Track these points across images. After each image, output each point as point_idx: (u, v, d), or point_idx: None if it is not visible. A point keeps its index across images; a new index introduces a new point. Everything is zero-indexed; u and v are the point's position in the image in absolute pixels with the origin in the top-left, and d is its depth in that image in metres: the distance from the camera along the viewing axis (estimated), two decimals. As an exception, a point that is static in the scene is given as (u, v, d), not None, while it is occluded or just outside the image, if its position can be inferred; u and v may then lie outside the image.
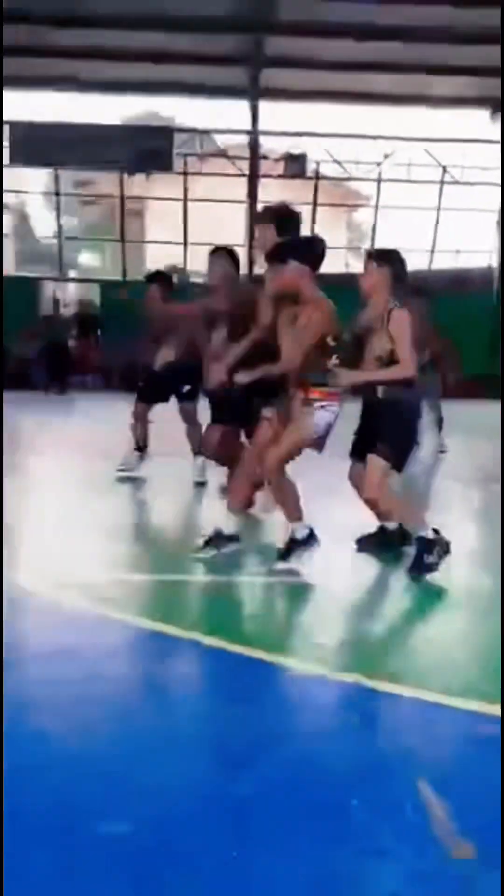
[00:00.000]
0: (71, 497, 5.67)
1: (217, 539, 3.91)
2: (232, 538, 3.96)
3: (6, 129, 16.34)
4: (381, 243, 17.17)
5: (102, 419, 9.33)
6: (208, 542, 3.90)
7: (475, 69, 15.52)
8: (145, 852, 1.58)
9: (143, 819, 1.71)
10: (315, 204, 17.09)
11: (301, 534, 3.82)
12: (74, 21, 14.51)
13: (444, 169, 16.96)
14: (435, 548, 3.68)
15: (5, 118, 15.85)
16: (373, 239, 18.45)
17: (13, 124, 16.21)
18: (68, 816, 1.72)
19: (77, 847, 1.60)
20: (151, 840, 1.65)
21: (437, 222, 17.22)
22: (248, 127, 16.47)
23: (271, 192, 15.85)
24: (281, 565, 3.75)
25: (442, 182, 16.74)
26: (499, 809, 1.59)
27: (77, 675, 2.59)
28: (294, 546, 3.79)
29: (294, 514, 3.85)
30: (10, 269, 18.13)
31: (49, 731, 2.22)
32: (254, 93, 15.85)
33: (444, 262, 17.54)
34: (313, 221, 16.68)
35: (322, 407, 3.69)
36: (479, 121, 16.82)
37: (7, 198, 18.13)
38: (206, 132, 17.67)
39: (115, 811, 1.75)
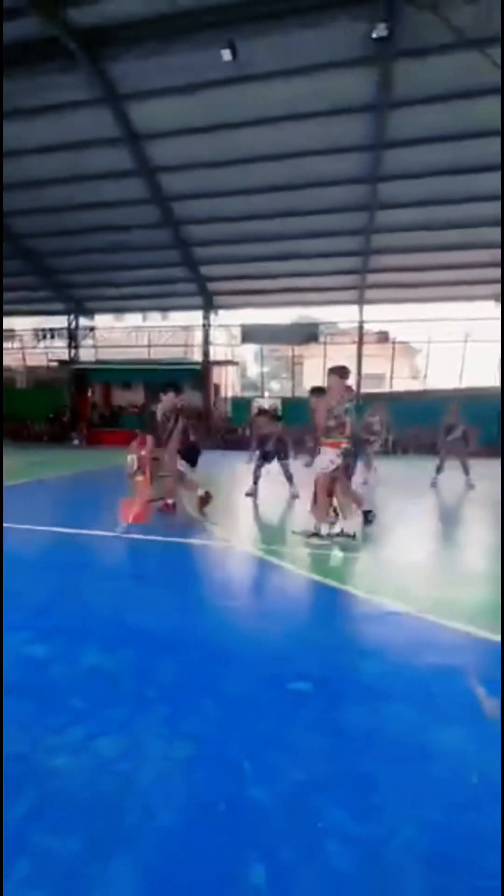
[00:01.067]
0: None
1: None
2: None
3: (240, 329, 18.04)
4: (432, 378, 17.69)
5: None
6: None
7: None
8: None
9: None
10: (393, 356, 17.32)
11: (325, 529, 3.95)
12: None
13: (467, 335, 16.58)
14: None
15: (244, 322, 17.99)
16: (426, 374, 17.94)
17: (244, 326, 17.95)
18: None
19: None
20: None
21: (463, 363, 16.57)
22: (357, 318, 16.95)
23: (369, 351, 17.04)
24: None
25: (466, 342, 16.43)
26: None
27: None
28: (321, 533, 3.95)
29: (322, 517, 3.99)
30: (237, 392, 20.57)
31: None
32: (360, 303, 16.54)
33: (471, 382, 16.31)
34: (392, 366, 17.40)
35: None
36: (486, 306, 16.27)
37: (238, 358, 20.50)
38: (334, 322, 18.70)
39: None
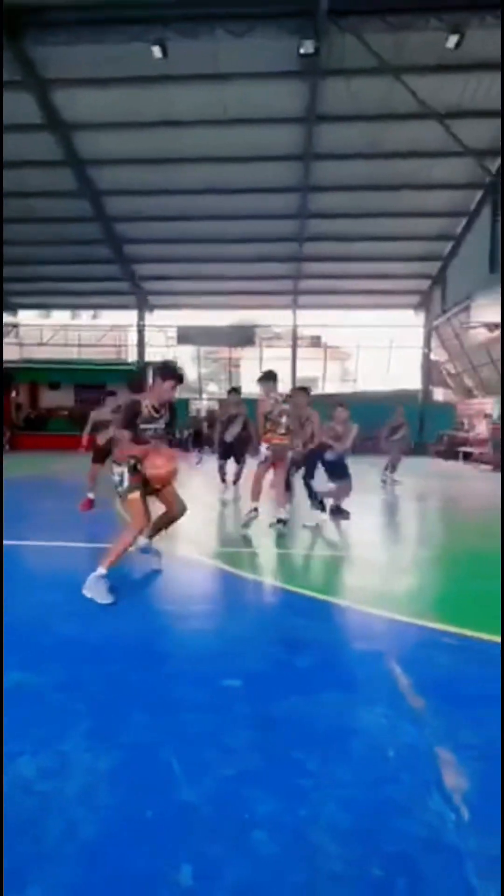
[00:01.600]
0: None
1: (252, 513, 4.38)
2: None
3: (176, 330, 17.95)
4: (362, 378, 18.76)
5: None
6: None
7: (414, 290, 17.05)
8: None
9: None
10: (325, 359, 18.06)
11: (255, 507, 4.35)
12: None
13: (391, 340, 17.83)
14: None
15: (180, 324, 17.93)
16: (355, 378, 18.68)
17: (180, 327, 17.75)
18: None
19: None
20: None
21: (388, 368, 17.66)
22: (291, 323, 17.44)
23: (303, 354, 17.54)
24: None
25: (390, 347, 17.70)
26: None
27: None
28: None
29: (254, 497, 4.34)
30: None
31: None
32: (294, 307, 17.02)
33: (395, 385, 17.43)
34: (325, 369, 18.19)
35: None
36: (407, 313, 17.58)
37: (175, 359, 21.37)
38: (269, 326, 18.73)
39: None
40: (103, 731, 1.70)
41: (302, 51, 8.49)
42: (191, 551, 3.99)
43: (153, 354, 18.63)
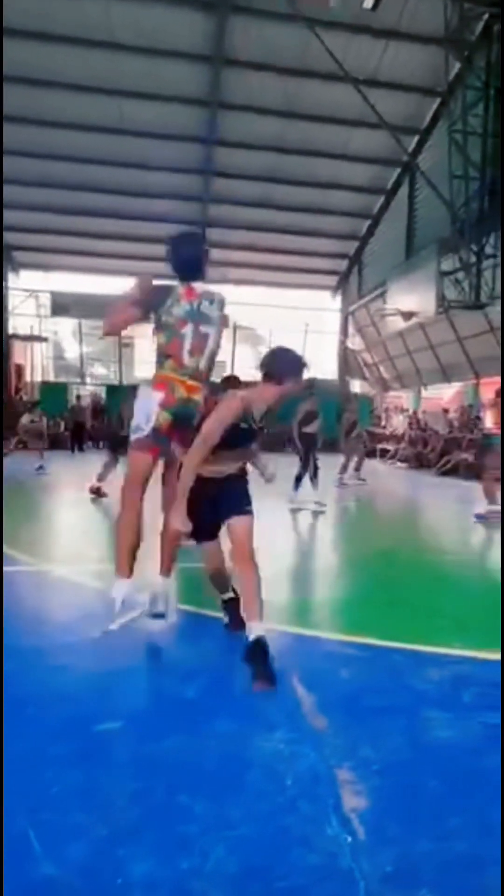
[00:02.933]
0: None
1: None
2: None
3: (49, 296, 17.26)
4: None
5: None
6: None
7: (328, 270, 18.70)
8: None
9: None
10: (234, 343, 18.14)
11: None
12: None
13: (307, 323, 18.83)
14: None
15: (53, 289, 17.29)
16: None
17: (55, 293, 16.91)
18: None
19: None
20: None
21: (304, 354, 19.53)
22: None
23: None
24: None
25: (306, 331, 18.26)
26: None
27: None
28: None
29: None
30: (49, 377, 18.77)
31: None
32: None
33: (310, 374, 19.31)
34: (233, 354, 18.28)
35: None
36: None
37: (48, 333, 18.82)
38: None
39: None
40: None
41: (205, -23, 8.48)
42: (64, 570, 3.79)
43: (20, 326, 17.38)
